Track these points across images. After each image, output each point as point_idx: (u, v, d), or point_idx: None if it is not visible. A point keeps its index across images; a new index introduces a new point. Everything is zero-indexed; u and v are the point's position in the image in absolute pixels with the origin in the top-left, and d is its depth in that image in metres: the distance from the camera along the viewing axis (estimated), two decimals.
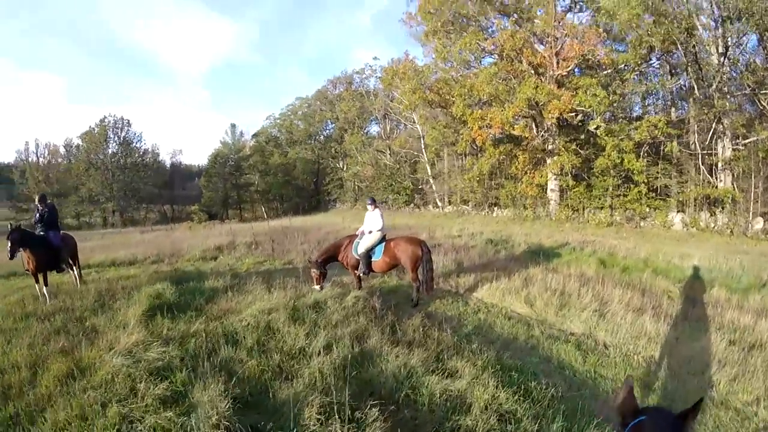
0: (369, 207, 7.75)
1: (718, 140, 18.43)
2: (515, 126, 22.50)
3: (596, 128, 20.77)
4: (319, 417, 3.56)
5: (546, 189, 23.87)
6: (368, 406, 3.67)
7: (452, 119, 26.52)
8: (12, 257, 7.18)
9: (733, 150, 18.00)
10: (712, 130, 18.40)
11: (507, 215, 25.66)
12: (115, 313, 6.71)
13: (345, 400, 3.64)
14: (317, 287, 7.31)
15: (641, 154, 20.57)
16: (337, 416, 3.51)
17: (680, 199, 19.88)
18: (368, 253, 7.46)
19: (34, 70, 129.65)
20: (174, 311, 6.49)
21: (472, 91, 22.84)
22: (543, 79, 22.08)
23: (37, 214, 7.99)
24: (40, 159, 47.54)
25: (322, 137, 50.91)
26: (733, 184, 18.12)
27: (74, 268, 8.84)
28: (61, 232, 8.46)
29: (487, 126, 22.87)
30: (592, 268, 10.26)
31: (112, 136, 47.49)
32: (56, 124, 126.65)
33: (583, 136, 22.25)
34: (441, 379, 4.20)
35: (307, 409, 3.68)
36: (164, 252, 14.10)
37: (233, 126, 53.17)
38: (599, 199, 21.78)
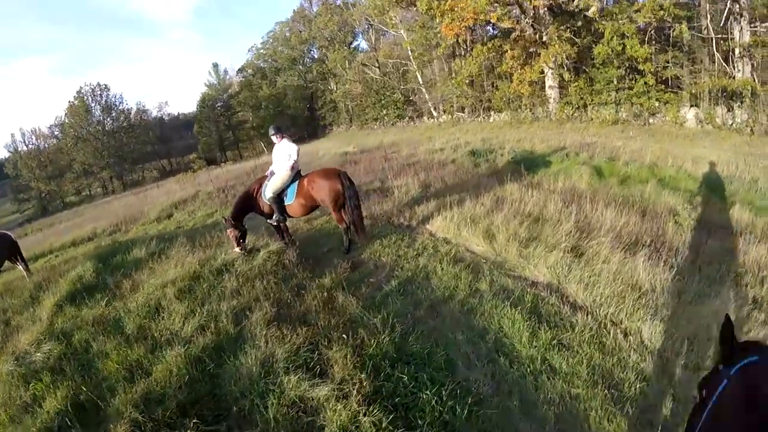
0: (273, 138, 6.79)
1: (734, 23, 16.98)
2: (492, 14, 21.00)
3: (583, 7, 19.42)
4: None
5: (545, 87, 23.05)
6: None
7: (429, 18, 24.99)
8: None
9: (752, 34, 16.46)
10: (726, 11, 17.04)
11: (504, 119, 24.63)
12: (37, 307, 6.79)
13: (160, 416, 3.35)
14: (237, 249, 6.68)
15: (646, 40, 19.23)
16: None
17: (693, 91, 18.41)
18: (280, 197, 6.65)
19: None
20: (87, 295, 6.54)
21: None
22: None
23: None
24: (29, 146, 49.40)
25: (307, 60, 50.35)
26: (752, 74, 16.70)
27: (19, 263, 9.21)
28: None
29: (460, 19, 21.39)
30: (585, 180, 9.20)
31: (92, 104, 48.40)
32: (42, 107, 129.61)
33: (580, 23, 20.88)
34: (303, 380, 3.58)
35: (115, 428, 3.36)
36: (125, 219, 14.05)
37: (215, 65, 53.35)
38: (602, 93, 20.69)
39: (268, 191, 6.60)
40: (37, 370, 4.73)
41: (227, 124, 52.84)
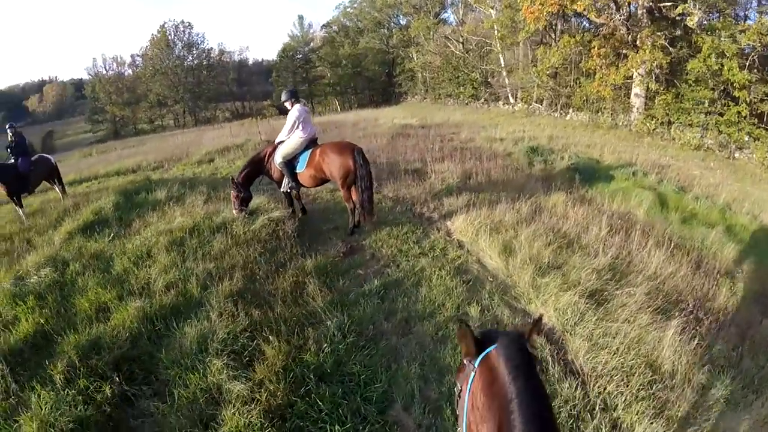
0: (286, 104, 6.62)
1: None
2: (579, 3, 20.20)
3: (682, 15, 17.98)
4: None
5: (630, 94, 22.00)
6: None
7: None
8: None
9: None
10: None
11: (580, 119, 23.19)
12: (54, 232, 7.41)
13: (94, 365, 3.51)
14: (235, 212, 6.74)
15: (747, 65, 17.72)
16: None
17: None
18: (291, 163, 6.56)
19: None
20: (99, 228, 7.04)
21: None
22: None
23: (9, 143, 9.27)
24: (109, 72, 53.25)
25: (392, 24, 50.51)
26: None
27: (56, 185, 10.13)
28: (38, 155, 9.98)
29: (542, 3, 20.56)
30: (643, 208, 8.20)
31: (174, 39, 51.18)
32: (125, 35, 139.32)
33: (678, 32, 19.92)
34: (227, 367, 3.56)
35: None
36: (173, 156, 14.81)
37: (301, 18, 55.71)
38: (689, 113, 19.59)
39: (278, 156, 6.57)
40: (28, 293, 5.17)
41: (304, 77, 54.08)
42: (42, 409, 3.33)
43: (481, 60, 34.43)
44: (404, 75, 47.19)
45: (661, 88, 20.36)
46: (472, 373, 1.58)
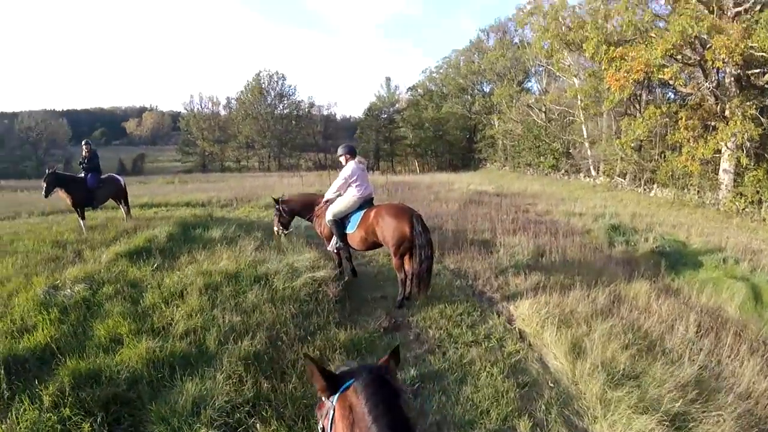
0: (341, 158, 6.45)
1: None
2: (666, 71, 19.71)
3: None
4: None
5: (718, 169, 21.35)
6: None
7: (598, 65, 24.22)
8: (46, 196, 9.49)
9: None
10: None
11: (665, 196, 22.03)
12: (105, 250, 7.70)
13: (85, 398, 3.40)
14: (276, 228, 7.37)
15: None
16: None
17: None
18: (342, 222, 6.31)
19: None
20: (147, 256, 7.20)
21: (608, 20, 21.55)
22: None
23: (81, 159, 10.11)
24: (204, 109, 60.27)
25: (475, 91, 53.23)
26: None
27: (122, 205, 10.87)
28: (108, 174, 10.70)
29: (627, 71, 20.19)
30: (735, 303, 7.11)
31: (267, 88, 57.33)
32: (220, 80, 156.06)
33: None
34: None
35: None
36: (244, 196, 15.37)
37: (388, 79, 59.39)
38: None
39: (329, 213, 6.36)
40: (54, 304, 5.26)
41: (387, 136, 57.74)
42: (19, 427, 3.23)
43: (563, 130, 34.82)
44: (485, 141, 48.97)
45: (752, 164, 19.62)
46: (331, 411, 1.51)
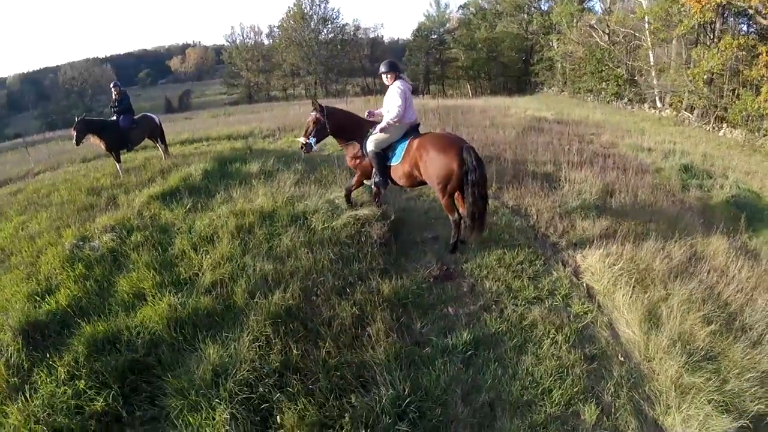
0: (384, 77, 5.53)
1: None
2: None
3: None
4: None
5: None
6: None
7: None
8: (77, 144, 9.42)
9: None
10: None
11: (735, 138, 20.20)
12: (138, 193, 7.51)
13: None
14: (302, 139, 5.64)
15: None
16: None
17: None
18: (384, 153, 5.49)
19: None
20: (181, 196, 6.92)
21: None
22: None
23: (112, 102, 9.85)
24: (246, 40, 58.84)
25: (532, 9, 49.34)
26: None
27: (159, 144, 10.62)
28: (142, 114, 10.39)
29: None
30: None
31: (310, 13, 54.99)
32: (261, 8, 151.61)
33: None
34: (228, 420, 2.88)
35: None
36: (287, 125, 14.94)
37: None
38: None
39: (371, 142, 5.46)
40: (79, 259, 5.07)
41: (437, 57, 55.34)
42: (32, 403, 3.07)
43: (628, 55, 32.18)
44: (542, 64, 46.19)
45: None
46: None
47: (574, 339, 3.89)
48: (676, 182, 9.36)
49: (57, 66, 64.46)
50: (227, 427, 2.82)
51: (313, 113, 5.61)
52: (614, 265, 4.85)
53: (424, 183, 5.47)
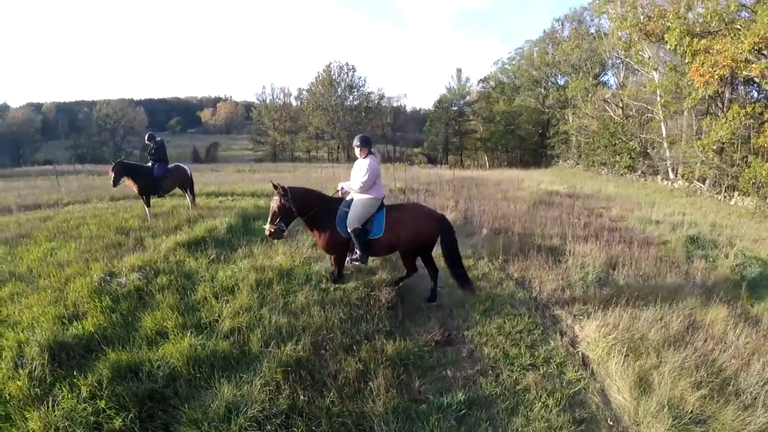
0: (357, 150, 5.82)
1: None
2: (754, 66, 18.69)
3: None
4: None
5: None
6: None
7: (680, 59, 23.23)
8: (114, 185, 9.92)
9: None
10: None
11: (747, 206, 20.31)
12: (166, 239, 7.98)
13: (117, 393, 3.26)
14: (268, 226, 5.64)
15: None
16: None
17: None
18: (364, 229, 5.67)
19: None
20: (205, 247, 7.41)
21: (690, 9, 20.40)
22: None
23: (148, 150, 10.51)
24: (276, 100, 62.78)
25: (549, 84, 51.83)
26: None
27: (188, 194, 11.27)
28: (176, 164, 11.09)
29: (712, 65, 19.12)
30: None
31: (338, 79, 58.47)
32: (291, 71, 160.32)
33: None
34: None
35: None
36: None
37: (459, 71, 58.72)
38: None
39: (354, 220, 5.59)
40: (107, 292, 5.49)
41: (457, 129, 57.72)
42: (53, 413, 3.34)
43: (640, 128, 33.24)
44: (558, 137, 47.97)
45: None
46: None
47: (564, 403, 4.10)
48: (681, 253, 9.62)
49: (93, 101, 67.80)
50: None
51: (276, 197, 5.60)
52: (609, 335, 5.08)
53: (394, 250, 5.98)
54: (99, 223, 9.19)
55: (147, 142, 10.45)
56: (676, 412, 3.89)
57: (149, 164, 10.35)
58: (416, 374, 4.34)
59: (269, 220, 5.65)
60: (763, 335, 5.81)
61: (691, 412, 3.95)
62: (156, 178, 10.15)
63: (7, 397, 3.56)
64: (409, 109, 71.55)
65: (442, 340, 5.11)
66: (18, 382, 3.66)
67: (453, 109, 57.42)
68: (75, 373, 3.81)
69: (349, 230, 5.63)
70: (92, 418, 3.36)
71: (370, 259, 6.20)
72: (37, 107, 69.63)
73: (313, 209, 5.72)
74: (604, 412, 4.13)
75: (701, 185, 24.86)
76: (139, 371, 3.92)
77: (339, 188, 6.10)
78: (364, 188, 5.64)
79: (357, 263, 5.93)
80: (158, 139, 10.61)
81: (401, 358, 4.55)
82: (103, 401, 3.49)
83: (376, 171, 5.68)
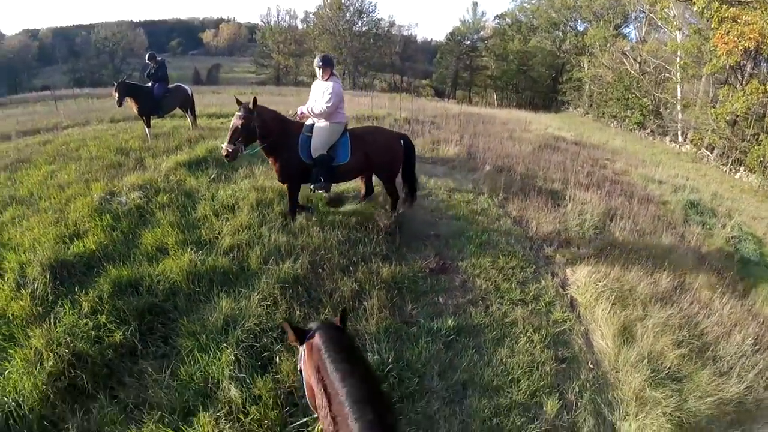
0: (319, 70, 5.39)
1: None
2: None
3: None
4: None
5: None
6: None
7: (706, 22, 22.21)
8: (119, 105, 9.66)
9: None
10: None
11: (750, 183, 20.01)
12: (166, 158, 7.95)
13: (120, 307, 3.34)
14: (225, 145, 5.06)
15: None
16: None
17: None
18: (329, 155, 5.40)
19: None
20: (207, 165, 7.41)
21: None
22: None
23: (149, 70, 10.22)
24: (281, 22, 59.90)
25: (568, 28, 49.63)
26: None
27: (189, 115, 11.11)
28: (176, 84, 10.83)
29: (738, 35, 18.74)
30: None
31: (347, 4, 55.51)
32: None
33: None
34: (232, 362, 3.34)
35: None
36: None
37: (475, 4, 58.30)
38: None
39: (319, 146, 5.32)
40: (107, 211, 5.53)
41: (468, 63, 55.52)
42: (55, 330, 3.46)
43: (656, 86, 32.12)
44: (570, 84, 46.56)
45: None
46: (300, 353, 2.12)
47: (549, 341, 4.28)
48: (680, 216, 9.59)
49: (91, 24, 65.17)
50: (231, 367, 3.25)
51: (240, 112, 5.06)
52: (599, 281, 5.21)
53: (361, 174, 6.03)
54: (99, 144, 9.10)
55: (147, 61, 10.19)
56: (654, 366, 4.06)
57: (149, 84, 10.13)
58: (409, 298, 4.48)
59: (228, 138, 5.06)
60: (747, 309, 5.93)
61: (669, 368, 4.11)
62: (156, 98, 9.97)
63: (10, 317, 3.69)
64: (419, 39, 68.78)
65: (436, 268, 5.22)
66: (20, 302, 3.78)
67: (466, 43, 55.20)
68: (76, 289, 3.93)
69: (313, 156, 5.37)
70: (93, 333, 3.50)
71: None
72: (33, 33, 67.18)
73: (274, 134, 5.24)
74: (586, 354, 4.30)
75: (709, 153, 24.58)
76: (139, 286, 4.04)
77: (298, 112, 5.62)
78: (327, 114, 5.33)
79: (321, 191, 5.73)
80: (159, 58, 10.33)
81: (396, 282, 4.67)
82: (104, 316, 3.63)
83: (339, 95, 5.38)
